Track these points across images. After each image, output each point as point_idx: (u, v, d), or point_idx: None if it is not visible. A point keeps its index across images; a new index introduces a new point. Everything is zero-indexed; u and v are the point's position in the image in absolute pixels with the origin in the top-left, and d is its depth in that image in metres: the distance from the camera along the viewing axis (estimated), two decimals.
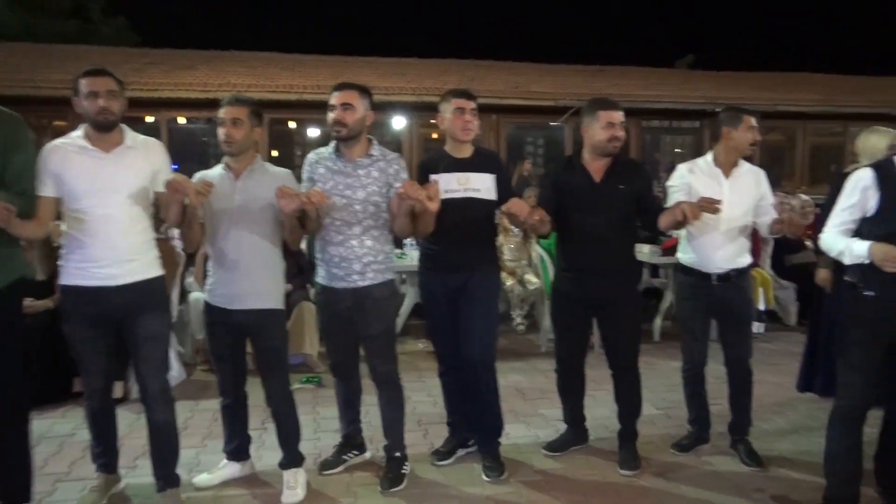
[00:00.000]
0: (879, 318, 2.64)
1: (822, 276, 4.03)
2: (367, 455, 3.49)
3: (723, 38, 32.41)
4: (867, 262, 2.59)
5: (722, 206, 3.02)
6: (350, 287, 3.07)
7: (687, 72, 16.62)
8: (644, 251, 6.06)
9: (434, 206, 2.86)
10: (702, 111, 12.39)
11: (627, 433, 3.48)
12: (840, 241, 2.70)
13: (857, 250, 2.62)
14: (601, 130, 3.18)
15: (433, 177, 3.15)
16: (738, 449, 3.52)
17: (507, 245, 6.46)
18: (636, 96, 11.86)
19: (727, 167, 3.36)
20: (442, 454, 3.48)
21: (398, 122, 11.83)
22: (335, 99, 3.01)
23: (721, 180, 3.34)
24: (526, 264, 6.54)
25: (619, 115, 3.19)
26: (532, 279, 6.33)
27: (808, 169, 13.17)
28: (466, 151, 3.26)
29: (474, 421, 3.41)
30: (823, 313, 4.27)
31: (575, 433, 3.66)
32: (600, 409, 3.94)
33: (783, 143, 13.29)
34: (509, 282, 6.34)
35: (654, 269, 6.77)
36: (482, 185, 3.21)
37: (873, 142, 3.81)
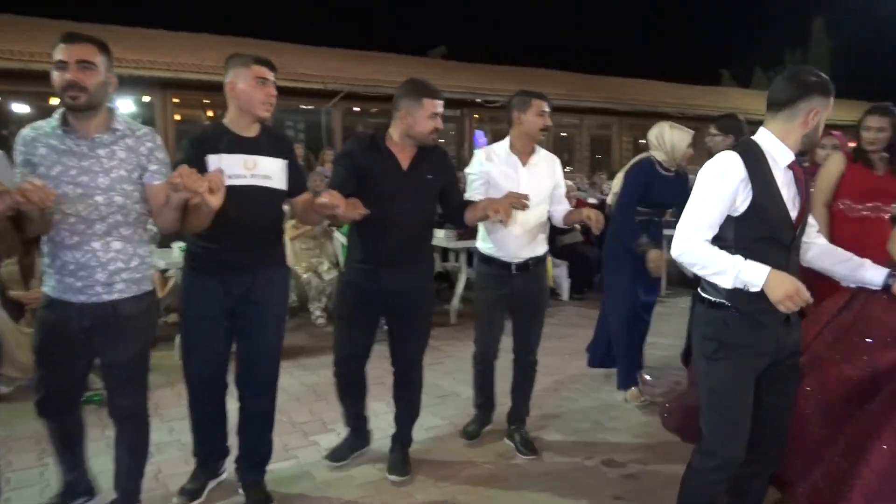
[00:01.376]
0: (754, 344, 2.17)
1: (655, 256, 3.87)
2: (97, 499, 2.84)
3: (470, 32, 34.56)
4: (755, 290, 2.05)
5: (528, 200, 2.93)
6: (91, 302, 2.40)
7: (444, 62, 17.33)
8: (439, 236, 6.16)
9: (217, 202, 2.33)
10: (462, 100, 13.01)
11: (404, 437, 3.28)
12: (717, 256, 2.07)
13: (746, 276, 2.04)
14: (425, 120, 2.87)
15: (213, 158, 2.61)
16: (515, 438, 3.48)
17: (301, 236, 6.14)
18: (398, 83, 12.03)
19: (524, 154, 3.29)
20: (189, 493, 2.93)
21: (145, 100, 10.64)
22: (65, 54, 2.28)
23: (518, 168, 3.27)
24: (320, 254, 6.29)
25: (441, 105, 2.91)
26: (331, 270, 6.10)
27: None
28: (253, 129, 2.71)
29: (242, 450, 2.93)
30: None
31: (357, 437, 3.39)
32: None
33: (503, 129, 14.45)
34: (305, 274, 6.04)
35: (445, 253, 6.92)
36: (272, 172, 2.73)
37: (677, 137, 3.89)
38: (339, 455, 3.32)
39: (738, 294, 2.12)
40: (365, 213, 2.62)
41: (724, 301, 2.18)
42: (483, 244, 3.41)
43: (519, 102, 3.24)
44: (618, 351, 4.26)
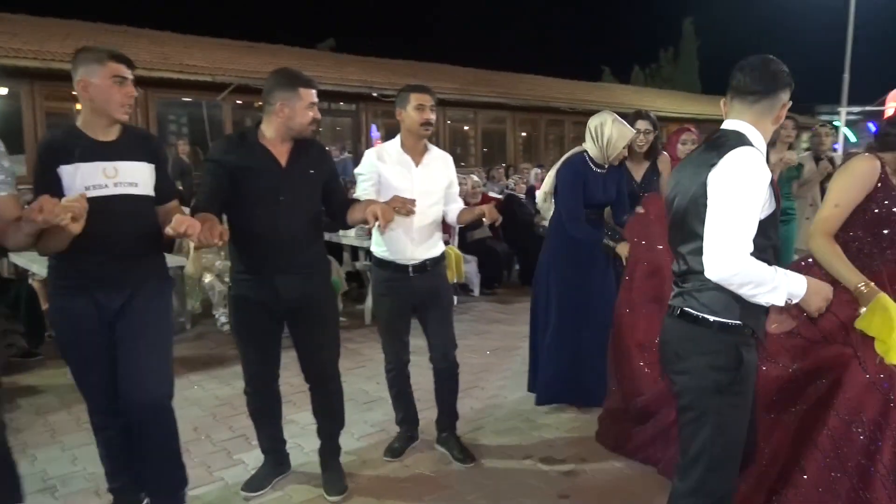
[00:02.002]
0: (753, 369, 2.03)
1: (625, 249, 3.65)
2: None
3: (358, 25, 34.09)
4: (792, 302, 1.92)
5: (415, 206, 2.77)
6: None
7: (335, 54, 16.95)
8: (350, 235, 5.98)
9: (78, 228, 2.09)
10: (358, 94, 12.79)
11: (332, 449, 3.08)
12: (768, 271, 1.85)
13: (793, 288, 1.89)
14: (304, 111, 2.65)
15: (66, 169, 2.32)
16: (448, 445, 3.36)
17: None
18: None
19: (416, 153, 3.12)
20: None
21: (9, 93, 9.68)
22: None
23: (411, 168, 3.10)
24: (225, 256, 5.93)
25: (316, 94, 2.72)
26: None
27: (448, 152, 14.52)
28: (112, 132, 2.44)
29: (149, 480, 2.68)
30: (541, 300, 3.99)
31: (275, 462, 3.12)
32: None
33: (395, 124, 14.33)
34: (208, 278, 5.68)
35: (355, 252, 6.74)
36: (138, 178, 2.46)
37: (617, 135, 3.57)
38: (255, 485, 3.03)
39: (755, 313, 1.94)
40: (224, 241, 2.41)
41: (739, 322, 1.92)
42: (377, 248, 3.22)
43: (400, 98, 3.07)
44: (547, 365, 3.87)
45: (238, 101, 11.68)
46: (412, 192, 2.97)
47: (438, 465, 3.31)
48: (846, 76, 13.61)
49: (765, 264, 1.85)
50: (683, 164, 2.16)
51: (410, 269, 3.14)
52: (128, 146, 2.46)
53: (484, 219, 3.05)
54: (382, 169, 3.09)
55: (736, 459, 2.02)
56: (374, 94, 12.65)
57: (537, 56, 27.05)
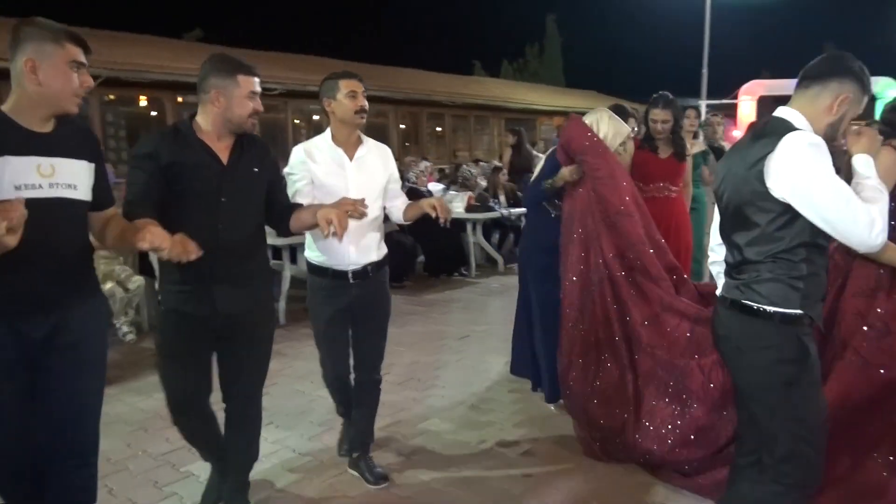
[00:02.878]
0: (817, 358, 2.01)
1: (567, 172, 3.47)
2: None
3: (225, 15, 32.60)
4: None
5: (365, 206, 2.51)
6: None
7: (203, 45, 16.13)
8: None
9: (15, 241, 1.73)
10: None
11: (241, 487, 2.77)
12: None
13: None
14: (243, 101, 2.39)
15: None
16: (360, 466, 3.10)
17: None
18: (171, 68, 10.98)
19: (349, 146, 2.88)
20: None
21: None
22: None
23: (345, 164, 2.86)
24: (124, 260, 5.55)
25: (258, 82, 2.46)
26: (135, 278, 5.41)
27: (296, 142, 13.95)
28: (49, 123, 2.06)
29: None
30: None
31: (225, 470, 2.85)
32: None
33: (281, 120, 13.87)
34: (109, 285, 5.28)
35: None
36: (77, 179, 2.09)
37: (612, 133, 3.50)
38: (213, 498, 2.81)
39: (813, 301, 1.94)
40: (198, 255, 2.08)
41: (800, 312, 1.91)
42: (312, 253, 2.96)
43: (326, 87, 2.85)
44: (547, 363, 3.72)
45: (110, 97, 10.87)
46: (347, 190, 2.73)
47: (400, 458, 3.32)
48: (705, 71, 14.83)
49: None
50: (730, 155, 2.14)
51: (350, 275, 2.89)
52: (66, 141, 2.07)
53: (436, 215, 2.78)
54: (313, 167, 2.84)
55: (821, 450, 1.97)
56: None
57: (408, 49, 27.18)
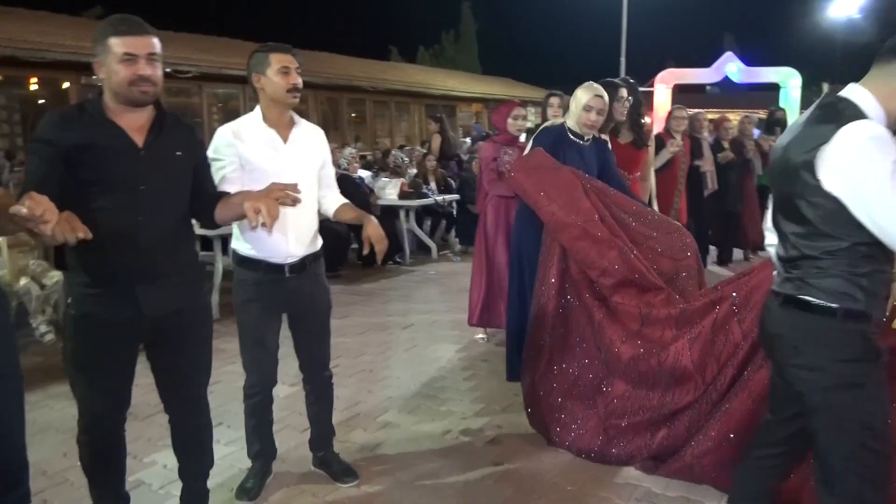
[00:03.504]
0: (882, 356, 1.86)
1: None
2: None
3: None
4: None
5: (298, 192, 2.23)
6: None
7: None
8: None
9: None
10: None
11: (200, 495, 2.60)
12: None
13: None
14: (121, 67, 2.05)
15: None
16: (328, 464, 2.98)
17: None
18: (71, 47, 10.22)
19: (281, 127, 2.63)
20: None
21: None
22: None
23: (279, 145, 2.61)
24: (39, 256, 5.13)
25: (139, 43, 2.08)
26: (52, 273, 5.01)
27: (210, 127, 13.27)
28: None
29: None
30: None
31: None
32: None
33: (195, 105, 13.15)
34: (23, 281, 4.86)
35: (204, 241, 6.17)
36: None
37: (578, 96, 3.52)
38: None
39: (878, 298, 1.81)
40: (87, 237, 1.82)
41: (863, 309, 1.78)
42: (241, 244, 2.67)
43: (256, 62, 2.58)
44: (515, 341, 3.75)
45: (1, 77, 10.02)
46: (282, 175, 2.42)
47: (365, 454, 3.21)
48: (623, 59, 15.24)
49: None
50: (790, 133, 1.90)
51: (286, 268, 2.63)
52: None
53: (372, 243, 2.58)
54: (242, 149, 2.55)
55: (888, 458, 1.81)
56: (168, 70, 11.56)
57: (323, 34, 26.55)
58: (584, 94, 3.52)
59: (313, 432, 3.02)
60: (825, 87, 20.47)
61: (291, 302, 2.71)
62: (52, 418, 3.62)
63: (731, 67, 12.42)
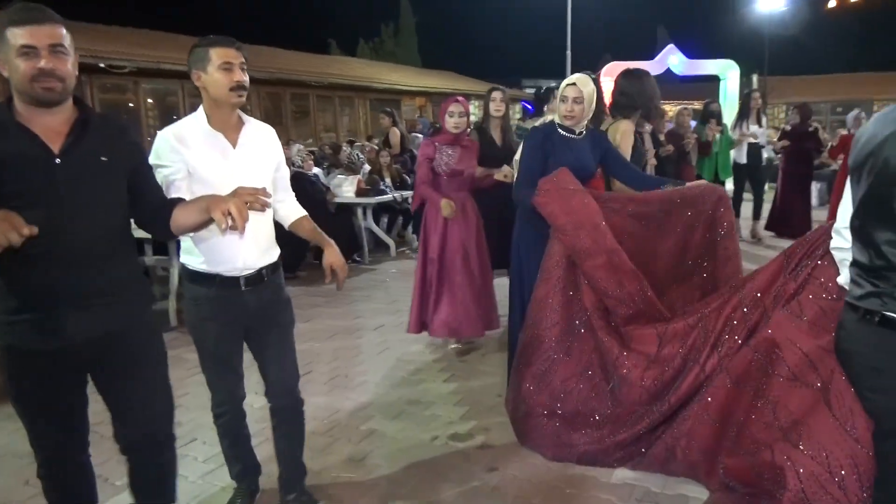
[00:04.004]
0: None
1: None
2: None
3: None
4: None
5: (268, 195, 2.08)
6: None
7: None
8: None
9: None
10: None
11: None
12: None
13: None
14: (20, 62, 1.83)
15: None
16: None
17: None
18: None
19: (229, 130, 2.38)
20: None
21: None
22: None
23: (227, 151, 2.35)
24: None
25: (40, 33, 1.84)
26: None
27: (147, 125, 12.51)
28: None
29: None
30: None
31: None
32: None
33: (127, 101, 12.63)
34: None
35: (141, 245, 5.87)
36: None
37: (562, 86, 3.39)
38: None
39: None
40: (33, 234, 1.69)
41: None
42: (192, 258, 2.42)
43: (196, 57, 2.32)
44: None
45: None
46: (232, 182, 2.16)
47: (353, 464, 3.09)
48: (569, 52, 15.39)
49: None
50: (885, 125, 1.69)
51: (242, 281, 2.40)
52: None
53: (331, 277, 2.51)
54: (188, 156, 2.30)
55: None
56: (102, 66, 11.02)
57: (260, 27, 25.91)
58: (561, 86, 3.45)
59: (282, 472, 2.70)
60: (755, 80, 21.04)
61: (251, 318, 2.46)
62: (5, 443, 3.35)
63: (673, 60, 12.70)
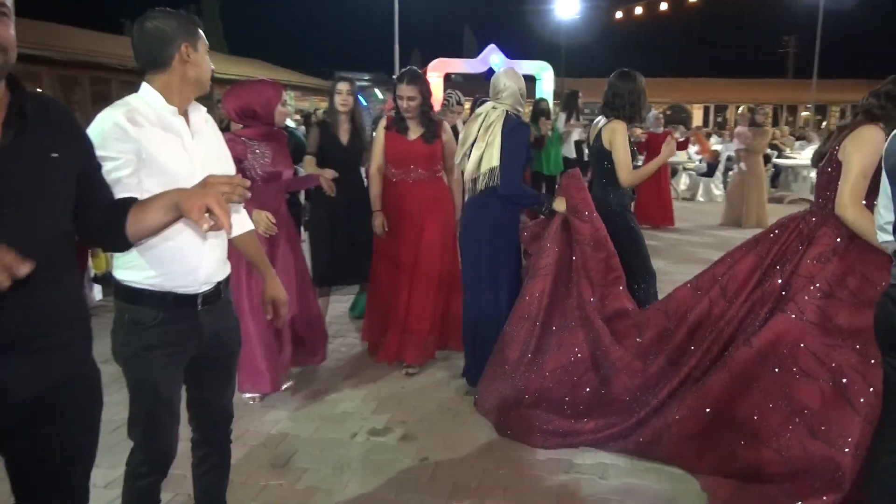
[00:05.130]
0: None
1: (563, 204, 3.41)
2: None
3: None
4: None
5: (246, 184, 1.72)
6: None
7: None
8: None
9: None
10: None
11: None
12: None
13: None
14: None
15: None
16: None
17: None
18: None
19: (185, 114, 2.00)
20: None
21: None
22: None
23: (182, 132, 1.95)
24: None
25: None
26: None
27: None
28: None
29: None
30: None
31: None
32: None
33: None
34: None
35: None
36: None
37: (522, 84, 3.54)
38: None
39: None
40: (30, 271, 1.32)
41: None
42: (135, 272, 1.89)
43: (185, 30, 1.94)
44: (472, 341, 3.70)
45: None
46: (193, 175, 1.82)
47: (276, 470, 2.95)
48: (396, 46, 15.49)
49: None
50: None
51: (200, 300, 1.97)
52: None
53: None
54: (142, 138, 1.84)
55: None
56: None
57: (40, 2, 22.96)
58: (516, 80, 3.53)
59: None
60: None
61: (201, 344, 1.99)
62: None
63: (494, 59, 13.35)
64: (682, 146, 9.71)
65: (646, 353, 3.01)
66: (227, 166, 2.12)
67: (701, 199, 12.06)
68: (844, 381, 2.43)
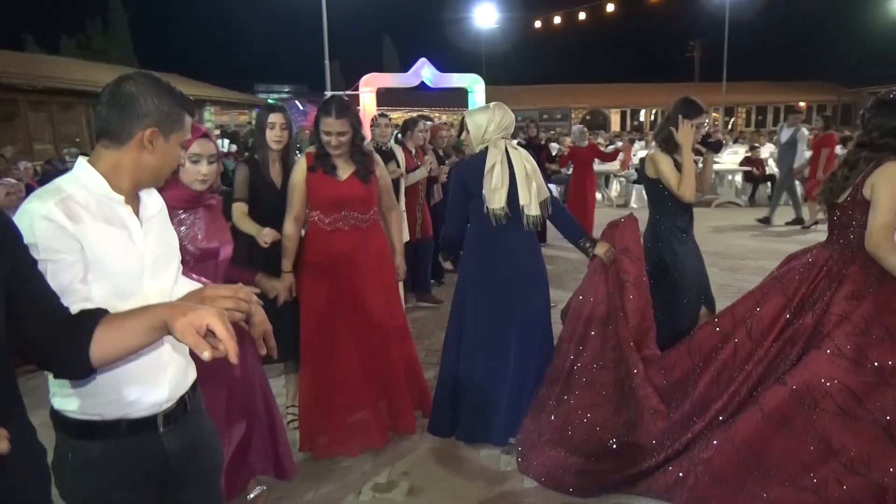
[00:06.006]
0: None
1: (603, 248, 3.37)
2: None
3: None
4: None
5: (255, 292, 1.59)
6: None
7: None
8: None
9: None
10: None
11: None
12: None
13: None
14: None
15: None
16: None
17: None
18: None
19: (131, 198, 1.60)
20: None
21: None
22: None
23: (129, 224, 1.57)
24: None
25: None
26: None
27: None
28: None
29: None
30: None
31: None
32: None
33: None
34: None
35: None
36: None
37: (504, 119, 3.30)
38: None
39: None
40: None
41: None
42: (77, 400, 1.52)
43: (160, 114, 1.55)
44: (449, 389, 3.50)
45: None
46: (141, 275, 1.58)
47: None
48: (327, 62, 15.16)
49: None
50: None
51: (160, 420, 1.61)
52: None
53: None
54: (83, 237, 1.46)
55: None
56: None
57: None
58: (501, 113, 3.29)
59: None
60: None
61: (168, 468, 1.63)
62: None
63: (426, 72, 13.32)
64: (610, 157, 9.91)
65: (671, 395, 3.00)
66: (175, 259, 1.73)
67: (634, 205, 12.41)
68: (888, 418, 2.45)
